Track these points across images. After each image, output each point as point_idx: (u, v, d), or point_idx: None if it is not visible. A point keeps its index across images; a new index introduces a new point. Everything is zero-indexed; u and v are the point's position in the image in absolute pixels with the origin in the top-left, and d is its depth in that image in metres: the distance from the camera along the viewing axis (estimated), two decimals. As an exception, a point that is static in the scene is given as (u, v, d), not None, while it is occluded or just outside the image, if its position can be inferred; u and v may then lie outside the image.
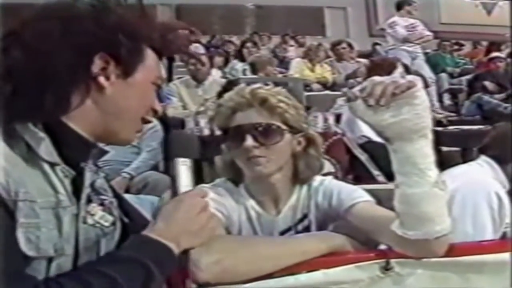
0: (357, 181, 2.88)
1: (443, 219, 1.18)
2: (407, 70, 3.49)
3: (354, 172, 3.19)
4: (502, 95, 5.48)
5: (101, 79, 0.97)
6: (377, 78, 1.15)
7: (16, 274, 0.86)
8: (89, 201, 0.99)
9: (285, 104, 1.39)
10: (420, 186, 1.16)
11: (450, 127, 4.09)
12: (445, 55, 8.23)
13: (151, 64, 1.04)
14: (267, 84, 1.45)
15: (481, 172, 2.06)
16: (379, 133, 1.17)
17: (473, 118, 5.03)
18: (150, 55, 1.04)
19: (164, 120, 3.52)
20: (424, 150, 1.15)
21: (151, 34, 1.03)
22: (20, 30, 0.95)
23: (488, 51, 7.57)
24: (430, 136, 1.16)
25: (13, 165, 0.89)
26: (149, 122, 1.08)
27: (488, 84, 5.72)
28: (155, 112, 1.08)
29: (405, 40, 5.74)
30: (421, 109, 1.13)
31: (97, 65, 0.97)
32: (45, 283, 0.88)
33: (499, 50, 7.33)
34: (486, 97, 5.33)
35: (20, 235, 0.87)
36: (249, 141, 1.35)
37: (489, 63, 6.29)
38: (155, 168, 3.39)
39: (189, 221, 1.02)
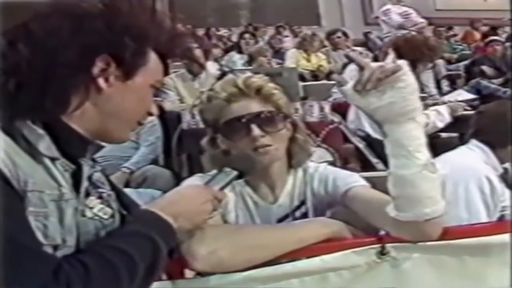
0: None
1: (434, 202, 1.18)
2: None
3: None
4: (501, 80, 5.45)
5: (100, 81, 0.97)
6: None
7: (37, 252, 0.86)
8: (87, 194, 1.00)
9: (278, 91, 1.41)
10: (409, 168, 1.16)
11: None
12: (442, 41, 8.19)
13: (152, 67, 1.03)
14: (257, 73, 1.45)
15: (471, 157, 2.05)
16: (370, 117, 1.19)
17: (472, 103, 5.00)
18: (153, 58, 1.03)
19: (162, 115, 3.51)
20: (412, 132, 1.16)
21: (159, 37, 1.02)
22: (30, 24, 0.94)
23: (485, 36, 7.52)
24: (419, 119, 1.17)
25: (20, 157, 0.90)
26: (142, 124, 1.08)
27: (486, 69, 5.69)
28: (150, 115, 1.08)
29: (401, 27, 5.73)
30: (407, 92, 1.14)
31: (98, 66, 0.96)
32: (68, 261, 0.87)
33: (496, 34, 7.29)
34: (485, 82, 5.29)
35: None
36: (256, 131, 1.34)
37: (487, 47, 6.24)
38: (154, 162, 3.40)
39: (189, 204, 1.07)
